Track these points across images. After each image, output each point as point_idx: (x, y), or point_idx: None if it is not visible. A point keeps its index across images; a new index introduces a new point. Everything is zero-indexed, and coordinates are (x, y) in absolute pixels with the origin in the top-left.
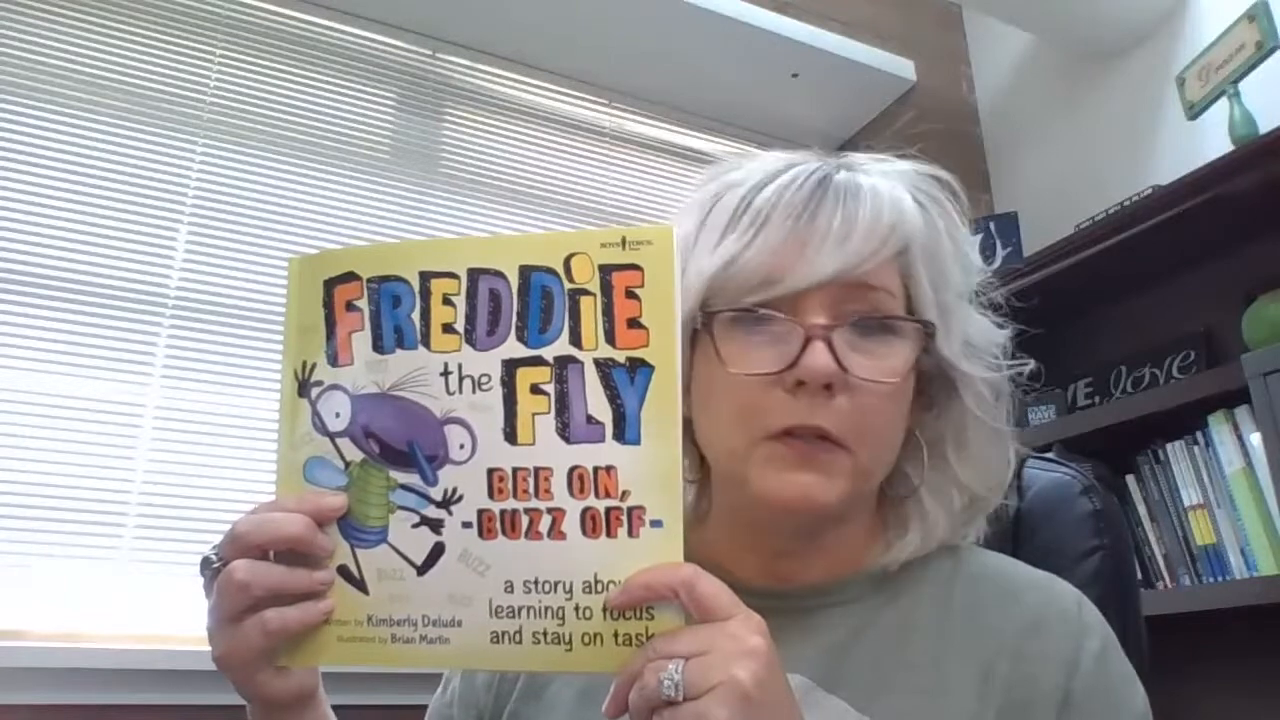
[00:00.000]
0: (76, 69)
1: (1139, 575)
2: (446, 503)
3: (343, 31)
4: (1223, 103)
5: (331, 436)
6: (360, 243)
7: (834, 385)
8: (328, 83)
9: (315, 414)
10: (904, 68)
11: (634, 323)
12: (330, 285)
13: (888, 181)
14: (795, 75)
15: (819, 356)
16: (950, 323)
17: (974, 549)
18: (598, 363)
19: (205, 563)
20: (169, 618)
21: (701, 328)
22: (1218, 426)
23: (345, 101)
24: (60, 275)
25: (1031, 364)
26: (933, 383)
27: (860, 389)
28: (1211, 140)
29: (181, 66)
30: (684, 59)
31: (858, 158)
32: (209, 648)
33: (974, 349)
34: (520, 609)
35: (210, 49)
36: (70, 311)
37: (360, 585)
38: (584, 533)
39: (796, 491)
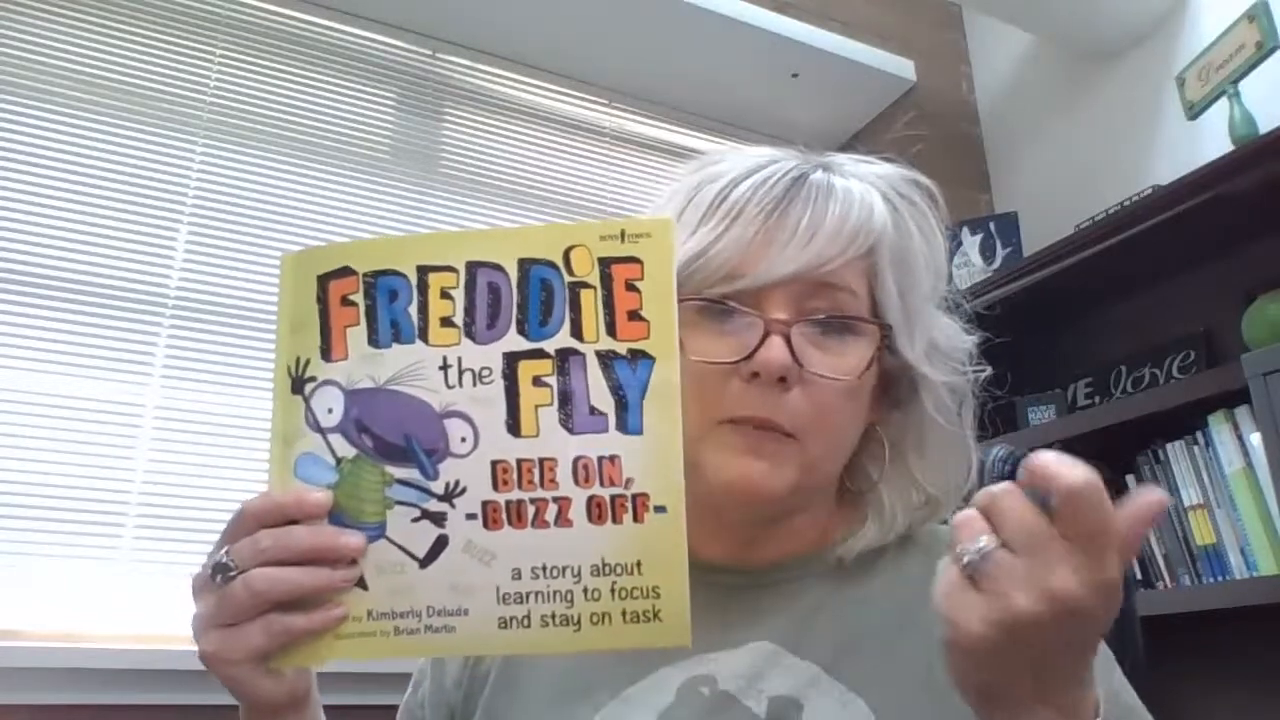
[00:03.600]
0: (76, 69)
1: (1139, 575)
2: (449, 496)
3: (343, 31)
4: (1223, 103)
5: (323, 432)
6: None
7: (788, 378)
8: (328, 83)
9: (308, 410)
10: (904, 68)
11: (634, 315)
12: (324, 280)
13: (862, 184)
14: (795, 75)
15: (775, 350)
16: (914, 325)
17: (933, 527)
18: (599, 355)
19: (221, 569)
20: (169, 618)
21: None
22: (1218, 426)
23: (345, 101)
24: (60, 275)
25: (989, 371)
26: (896, 382)
27: (815, 384)
28: (1211, 140)
29: (181, 66)
30: (684, 59)
31: (839, 158)
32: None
33: (938, 352)
34: (528, 594)
35: (210, 49)
36: (70, 311)
37: (360, 581)
38: (590, 520)
39: (743, 477)
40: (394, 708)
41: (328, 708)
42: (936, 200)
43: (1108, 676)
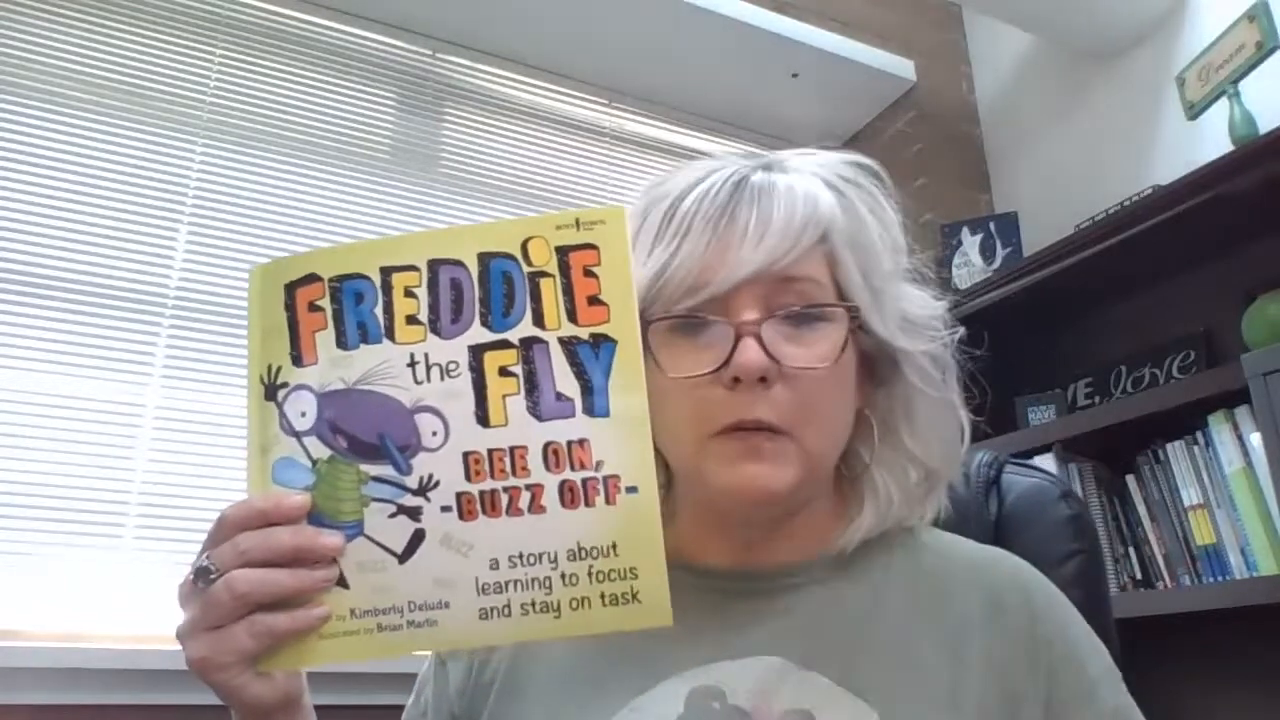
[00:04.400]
0: (76, 69)
1: (1139, 575)
2: (423, 490)
3: (343, 31)
4: (1223, 103)
5: (298, 436)
6: None
7: (769, 377)
8: (328, 83)
9: (282, 415)
10: (904, 68)
11: (594, 300)
12: (291, 288)
13: (803, 177)
14: (795, 75)
15: (749, 352)
16: (883, 302)
17: (931, 530)
18: (562, 341)
19: (203, 572)
20: (169, 617)
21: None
22: (1218, 426)
23: (345, 101)
24: (60, 275)
25: (962, 330)
26: (878, 361)
27: (796, 377)
28: (1211, 140)
29: (181, 66)
30: (684, 59)
31: (780, 155)
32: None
33: (912, 325)
34: (507, 583)
35: (210, 49)
36: (70, 311)
37: (340, 580)
38: (563, 504)
39: (749, 483)
40: (391, 708)
41: (323, 708)
42: (882, 179)
43: (1114, 694)
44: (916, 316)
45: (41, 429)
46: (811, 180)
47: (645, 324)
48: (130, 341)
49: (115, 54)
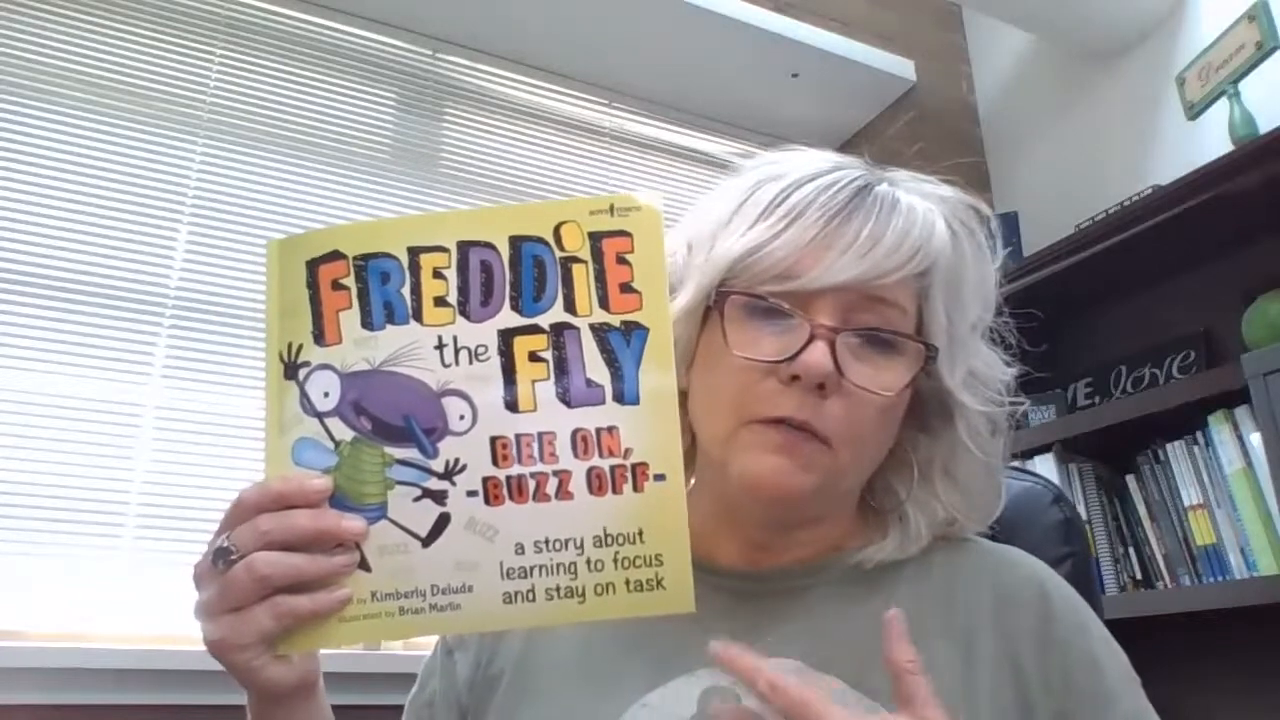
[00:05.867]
0: (76, 69)
1: (1139, 575)
2: (449, 474)
3: (343, 31)
4: (1223, 103)
5: (320, 416)
6: None
7: (827, 386)
8: (328, 83)
9: (303, 395)
10: (904, 68)
11: (626, 287)
12: (313, 265)
13: (925, 203)
14: (795, 75)
15: (818, 355)
16: (957, 352)
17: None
18: (593, 328)
19: (223, 553)
20: (169, 618)
21: (714, 305)
22: (1218, 426)
23: (345, 101)
24: (60, 275)
25: (1026, 404)
26: (929, 405)
27: (853, 395)
28: (1211, 140)
29: (181, 66)
30: (684, 59)
31: (900, 174)
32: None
33: (977, 382)
34: (532, 568)
35: (210, 49)
36: (70, 311)
37: (361, 563)
38: (591, 491)
39: (768, 472)
40: (392, 708)
41: (332, 707)
42: (993, 232)
43: (1133, 699)
44: (983, 375)
45: (41, 429)
46: (932, 209)
47: (724, 295)
48: (130, 341)
49: (115, 54)
